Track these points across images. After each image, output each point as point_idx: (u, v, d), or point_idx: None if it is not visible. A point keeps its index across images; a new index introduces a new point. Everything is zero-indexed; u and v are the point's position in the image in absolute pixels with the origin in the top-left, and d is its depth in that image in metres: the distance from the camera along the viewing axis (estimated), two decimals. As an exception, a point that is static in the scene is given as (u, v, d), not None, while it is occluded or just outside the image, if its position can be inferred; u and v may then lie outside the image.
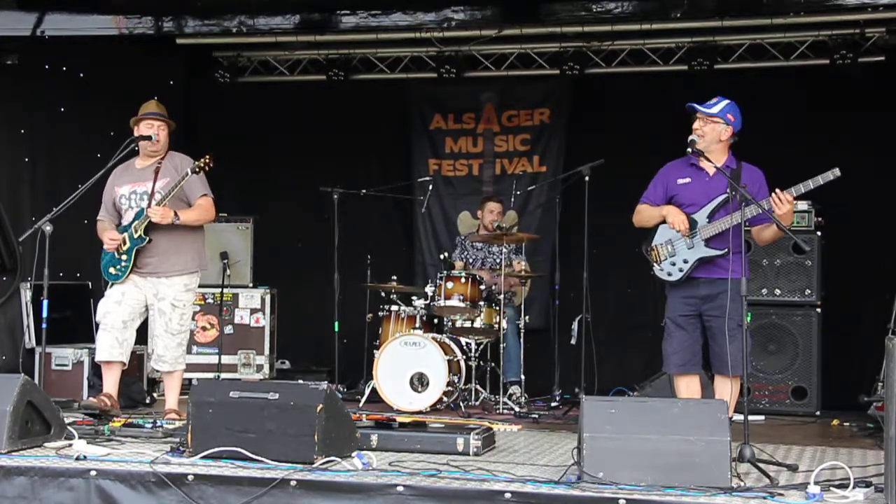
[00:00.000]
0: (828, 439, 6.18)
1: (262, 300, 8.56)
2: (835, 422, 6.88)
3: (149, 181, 6.20)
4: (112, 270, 6.20)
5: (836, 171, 5.05)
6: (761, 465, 4.62)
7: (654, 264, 5.54)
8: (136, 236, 6.11)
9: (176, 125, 6.44)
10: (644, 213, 5.64)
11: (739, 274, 5.00)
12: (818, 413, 7.16)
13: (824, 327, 7.26)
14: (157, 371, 6.55)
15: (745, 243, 5.24)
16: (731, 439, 4.26)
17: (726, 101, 5.46)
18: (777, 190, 5.13)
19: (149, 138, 6.20)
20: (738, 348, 5.00)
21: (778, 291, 7.28)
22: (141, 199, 6.20)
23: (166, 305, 6.18)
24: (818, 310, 7.26)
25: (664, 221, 5.50)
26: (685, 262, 5.43)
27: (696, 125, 5.43)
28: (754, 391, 7.08)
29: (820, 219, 7.31)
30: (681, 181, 5.54)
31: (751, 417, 5.04)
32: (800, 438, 6.07)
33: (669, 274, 5.47)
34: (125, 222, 6.22)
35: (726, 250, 5.21)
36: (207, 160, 6.04)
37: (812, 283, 7.26)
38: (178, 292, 6.21)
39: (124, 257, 6.15)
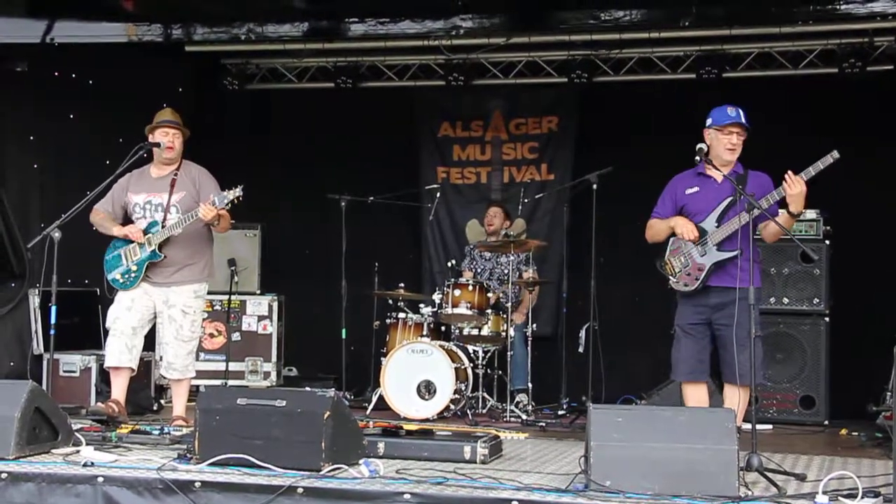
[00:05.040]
0: (836, 449, 6.16)
1: (270, 307, 8.57)
2: (843, 431, 6.85)
3: (164, 193, 6.21)
4: (119, 277, 6.19)
5: (835, 154, 5.05)
6: (769, 475, 4.61)
7: (670, 277, 5.54)
8: (149, 250, 6.12)
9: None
10: (655, 228, 5.66)
11: (748, 282, 4.99)
12: (826, 422, 7.13)
13: (832, 336, 7.23)
14: (165, 378, 6.56)
15: (755, 251, 5.23)
16: (739, 448, 4.25)
17: (741, 110, 5.47)
18: (790, 172, 5.12)
19: (157, 145, 6.22)
20: (748, 357, 4.99)
21: (786, 300, 7.27)
22: (155, 209, 6.21)
23: (177, 312, 6.19)
24: (826, 319, 7.24)
25: (674, 234, 5.51)
26: (700, 269, 5.43)
27: (733, 139, 5.38)
28: (762, 400, 7.05)
29: (828, 227, 7.29)
30: (689, 191, 5.55)
31: (758, 426, 5.03)
32: (808, 448, 6.05)
33: (686, 285, 5.47)
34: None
35: (740, 251, 5.21)
36: (239, 197, 6.03)
37: (820, 292, 7.24)
38: (188, 299, 6.23)
39: (134, 267, 6.15)
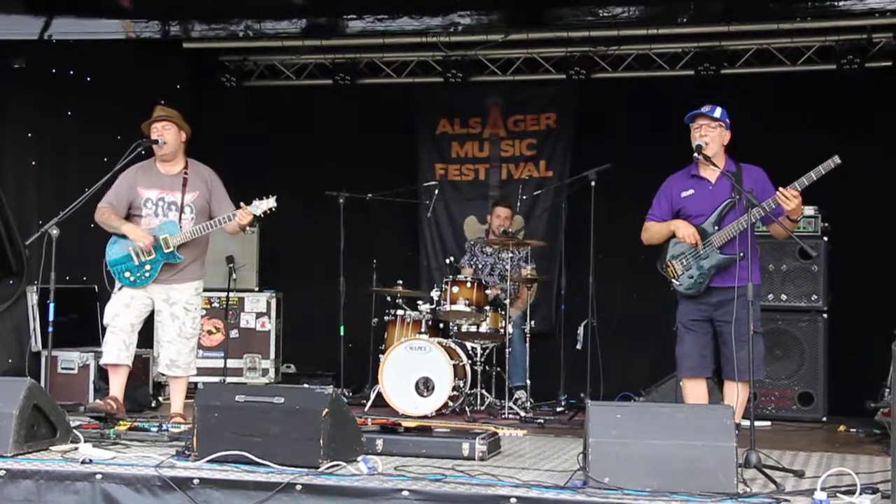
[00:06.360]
0: (834, 445, 6.17)
1: (268, 304, 8.57)
2: (841, 428, 6.85)
3: (177, 191, 6.20)
4: (128, 276, 6.14)
5: (837, 159, 5.07)
6: (767, 471, 4.61)
7: (672, 280, 5.54)
8: (167, 251, 6.10)
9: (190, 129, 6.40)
10: (652, 231, 5.65)
11: (748, 280, 4.98)
12: (824, 419, 7.14)
13: (831, 333, 7.23)
14: (164, 375, 6.55)
15: (754, 248, 5.25)
16: (738, 445, 4.25)
17: (720, 107, 5.49)
18: (780, 188, 5.15)
19: (156, 142, 6.21)
20: (747, 354, 4.99)
21: (784, 297, 7.26)
22: (168, 208, 6.19)
23: (179, 310, 6.19)
24: (824, 315, 7.24)
25: (674, 236, 5.51)
26: (703, 272, 5.43)
27: (702, 132, 5.43)
28: (760, 397, 7.06)
29: (827, 224, 7.29)
30: (685, 194, 5.55)
31: (757, 423, 5.03)
32: (806, 444, 6.06)
33: (689, 287, 5.48)
34: (144, 225, 6.18)
35: (742, 254, 5.21)
36: (272, 208, 6.09)
37: (818, 289, 7.24)
38: (190, 296, 6.23)
39: (148, 267, 6.12)
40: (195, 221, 6.19)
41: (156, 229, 6.15)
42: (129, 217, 6.26)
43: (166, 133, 6.22)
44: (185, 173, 6.25)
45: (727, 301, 5.29)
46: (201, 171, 6.32)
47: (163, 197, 6.21)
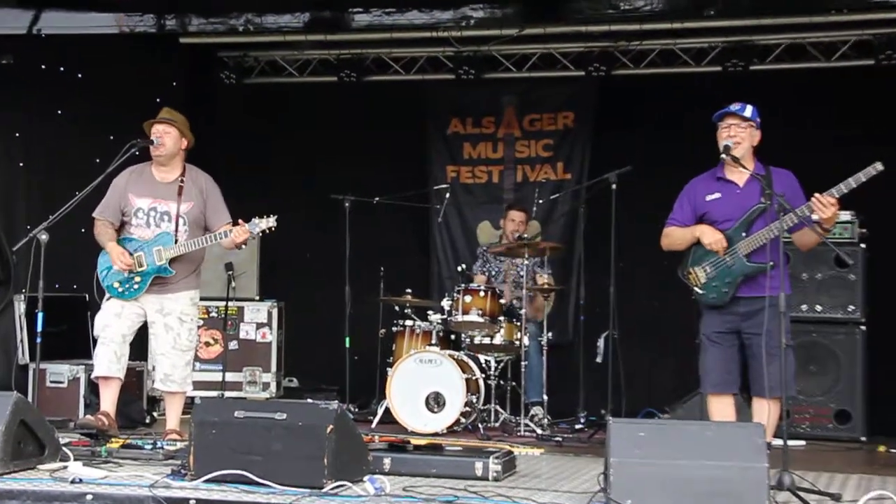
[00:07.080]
0: (873, 467, 6.14)
1: (269, 314, 8.58)
2: (881, 448, 6.82)
3: (171, 201, 6.20)
4: (118, 287, 6.15)
5: (879, 166, 5.04)
6: (802, 494, 4.58)
7: (695, 287, 5.50)
8: (159, 264, 6.11)
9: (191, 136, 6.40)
10: (674, 236, 5.61)
11: (778, 290, 4.95)
12: (863, 438, 7.09)
13: (869, 346, 7.19)
14: (159, 390, 6.54)
15: (784, 255, 5.21)
16: (770, 466, 4.22)
17: (751, 106, 5.45)
18: (816, 194, 5.10)
19: (151, 142, 6.21)
20: (777, 368, 4.96)
21: (819, 307, 7.22)
22: (161, 218, 6.19)
23: (173, 320, 6.19)
24: (862, 327, 7.19)
25: (697, 242, 5.47)
26: (728, 281, 5.38)
27: (731, 132, 5.39)
28: (794, 414, 7.01)
29: (864, 230, 7.25)
30: (710, 198, 5.50)
31: (791, 442, 5.00)
32: (843, 465, 6.02)
33: (713, 296, 5.43)
34: (136, 235, 6.18)
35: (771, 263, 5.16)
36: (272, 228, 6.15)
37: (856, 299, 7.19)
38: (185, 306, 6.23)
39: (137, 279, 6.12)
40: (189, 233, 6.20)
41: (150, 241, 6.16)
42: (122, 224, 6.27)
43: (166, 136, 6.22)
44: (182, 181, 6.25)
45: (755, 312, 5.24)
46: (198, 180, 6.32)
47: (155, 206, 6.21)
